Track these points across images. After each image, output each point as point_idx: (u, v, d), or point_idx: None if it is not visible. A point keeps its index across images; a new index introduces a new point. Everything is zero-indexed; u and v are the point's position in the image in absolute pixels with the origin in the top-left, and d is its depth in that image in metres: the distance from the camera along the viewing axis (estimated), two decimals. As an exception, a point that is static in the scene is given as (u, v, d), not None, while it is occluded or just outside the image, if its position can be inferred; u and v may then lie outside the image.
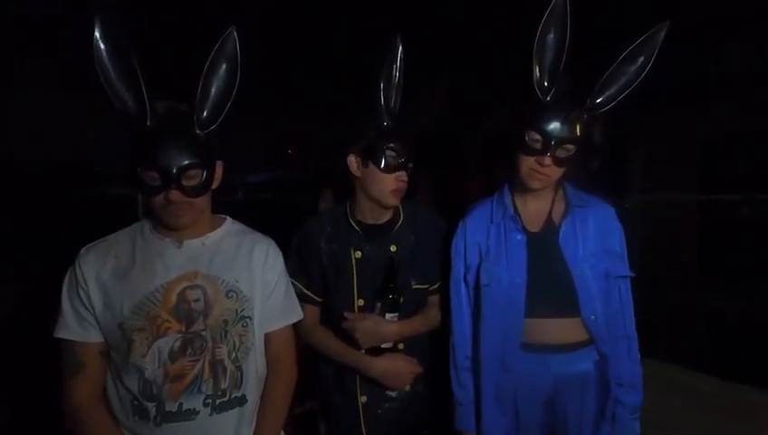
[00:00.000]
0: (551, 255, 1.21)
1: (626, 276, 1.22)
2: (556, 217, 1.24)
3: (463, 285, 1.29)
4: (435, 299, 1.42)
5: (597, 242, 1.21)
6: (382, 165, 1.28)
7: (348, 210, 1.39)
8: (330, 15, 2.85)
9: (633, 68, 1.12)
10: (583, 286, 1.18)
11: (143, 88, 0.95)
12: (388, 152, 1.27)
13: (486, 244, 1.25)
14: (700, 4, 2.74)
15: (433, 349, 1.43)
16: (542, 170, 1.17)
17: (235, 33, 1.02)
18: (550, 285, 1.20)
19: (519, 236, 1.23)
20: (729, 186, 4.31)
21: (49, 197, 3.85)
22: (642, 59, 1.11)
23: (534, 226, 1.25)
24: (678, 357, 1.99)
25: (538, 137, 1.15)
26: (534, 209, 1.26)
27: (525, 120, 1.17)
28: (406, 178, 1.29)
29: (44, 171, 3.95)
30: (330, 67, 3.63)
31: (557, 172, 1.19)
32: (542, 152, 1.15)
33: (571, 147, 1.15)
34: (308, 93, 4.43)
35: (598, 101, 1.15)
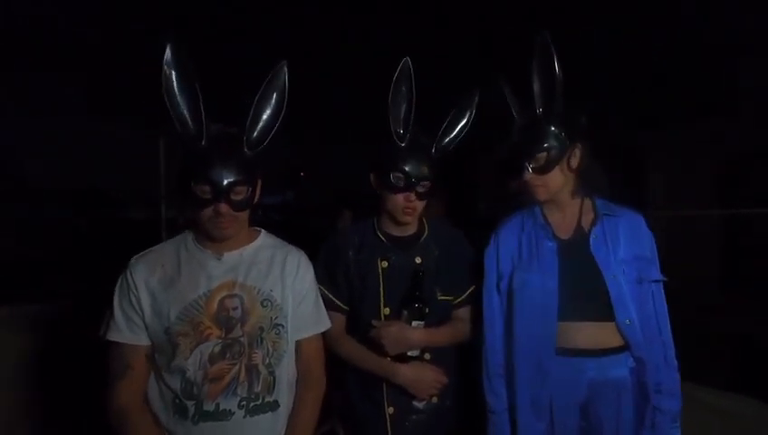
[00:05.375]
0: (582, 260, 1.24)
1: (658, 281, 1.24)
2: (585, 225, 1.29)
3: (495, 293, 1.33)
4: (462, 313, 1.44)
5: (628, 249, 1.24)
6: (390, 187, 1.33)
7: (375, 222, 1.44)
8: (346, 39, 2.94)
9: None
10: (616, 291, 1.20)
11: (202, 111, 1.04)
12: (396, 174, 1.32)
13: (518, 252, 1.30)
14: (723, 24, 2.75)
15: (462, 363, 1.43)
16: (534, 182, 1.26)
17: (285, 67, 1.12)
18: (582, 289, 1.22)
19: (550, 244, 1.27)
20: (752, 202, 4.21)
21: (77, 221, 3.95)
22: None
23: (564, 233, 1.29)
24: (707, 379, 1.92)
25: (514, 158, 1.28)
26: (563, 219, 1.31)
27: (512, 145, 1.30)
28: (413, 198, 1.32)
29: (74, 197, 4.08)
30: (345, 91, 3.72)
31: (551, 181, 1.26)
32: (522, 167, 1.26)
33: (542, 156, 1.24)
34: (323, 117, 4.52)
35: (551, 112, 1.26)
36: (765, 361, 3.23)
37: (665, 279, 1.25)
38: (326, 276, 1.39)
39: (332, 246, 1.42)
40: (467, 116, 1.40)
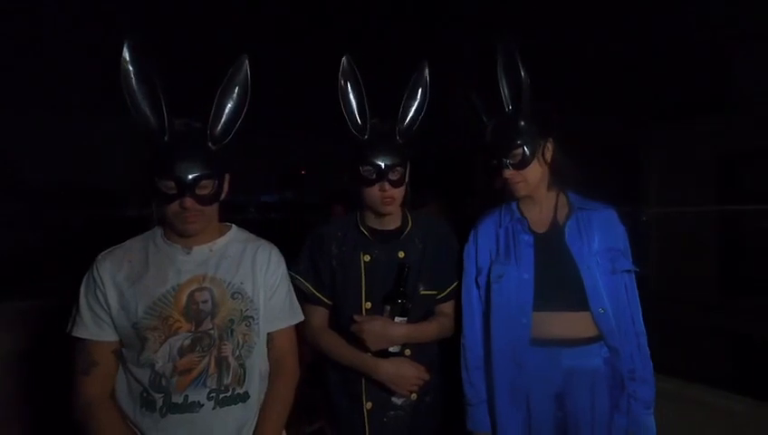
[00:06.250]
0: (558, 252, 1.27)
1: (630, 271, 1.27)
2: (560, 219, 1.32)
3: (474, 287, 1.35)
4: (446, 308, 1.43)
5: (601, 241, 1.28)
6: (362, 181, 1.33)
7: (358, 217, 1.43)
8: (343, 38, 2.94)
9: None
10: (591, 281, 1.24)
11: (164, 107, 1.05)
12: (365, 167, 1.32)
13: (496, 246, 1.34)
14: (720, 22, 2.75)
15: (443, 360, 1.43)
16: (514, 179, 1.29)
17: (246, 61, 1.13)
18: (557, 280, 1.26)
19: (526, 237, 1.31)
20: (748, 201, 4.22)
21: (74, 218, 3.96)
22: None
23: (541, 227, 1.33)
24: (702, 376, 1.92)
25: (491, 158, 1.32)
26: (539, 213, 1.35)
27: (487, 145, 1.35)
28: (388, 187, 1.31)
29: (72, 194, 4.09)
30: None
31: (530, 175, 1.30)
32: (501, 165, 1.29)
33: (518, 152, 1.28)
34: (322, 113, 4.52)
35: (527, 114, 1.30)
36: (761, 359, 3.23)
37: (636, 270, 1.28)
38: (310, 270, 1.39)
39: (316, 240, 1.42)
40: (421, 93, 1.37)
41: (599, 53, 3.19)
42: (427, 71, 1.38)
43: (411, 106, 1.37)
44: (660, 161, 4.90)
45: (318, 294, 1.38)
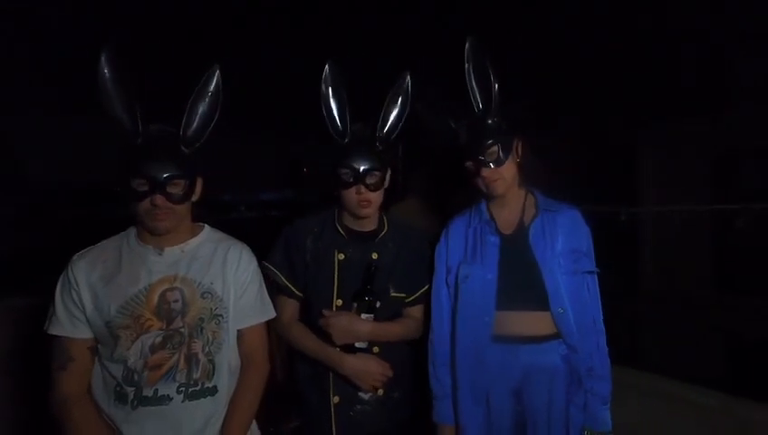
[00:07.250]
0: (522, 253, 1.31)
1: (592, 272, 1.31)
2: (527, 220, 1.35)
3: (444, 286, 1.39)
4: (414, 311, 1.47)
5: (565, 242, 1.31)
6: (340, 183, 1.36)
7: (336, 215, 1.46)
8: (345, 40, 2.94)
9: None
10: (552, 282, 1.27)
11: (138, 111, 1.10)
12: (343, 170, 1.35)
13: (465, 247, 1.37)
14: (716, 21, 2.76)
15: (412, 359, 1.46)
16: (492, 177, 1.31)
17: (218, 71, 1.18)
18: (519, 280, 1.29)
19: (493, 238, 1.34)
20: (743, 200, 4.23)
21: (75, 216, 3.97)
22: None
23: (507, 229, 1.36)
24: (698, 376, 1.94)
25: (467, 159, 1.34)
26: (507, 215, 1.38)
27: (462, 146, 1.37)
28: (364, 190, 1.34)
29: (72, 193, 4.09)
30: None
31: (506, 172, 1.33)
32: (478, 165, 1.31)
33: (494, 149, 1.30)
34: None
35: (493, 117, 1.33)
36: (756, 357, 3.26)
37: (598, 271, 1.31)
38: (285, 262, 1.42)
39: (292, 232, 1.44)
40: (401, 102, 1.39)
41: (598, 53, 3.19)
42: (408, 79, 1.39)
43: (391, 113, 1.39)
44: (658, 161, 4.91)
45: (291, 286, 1.41)
